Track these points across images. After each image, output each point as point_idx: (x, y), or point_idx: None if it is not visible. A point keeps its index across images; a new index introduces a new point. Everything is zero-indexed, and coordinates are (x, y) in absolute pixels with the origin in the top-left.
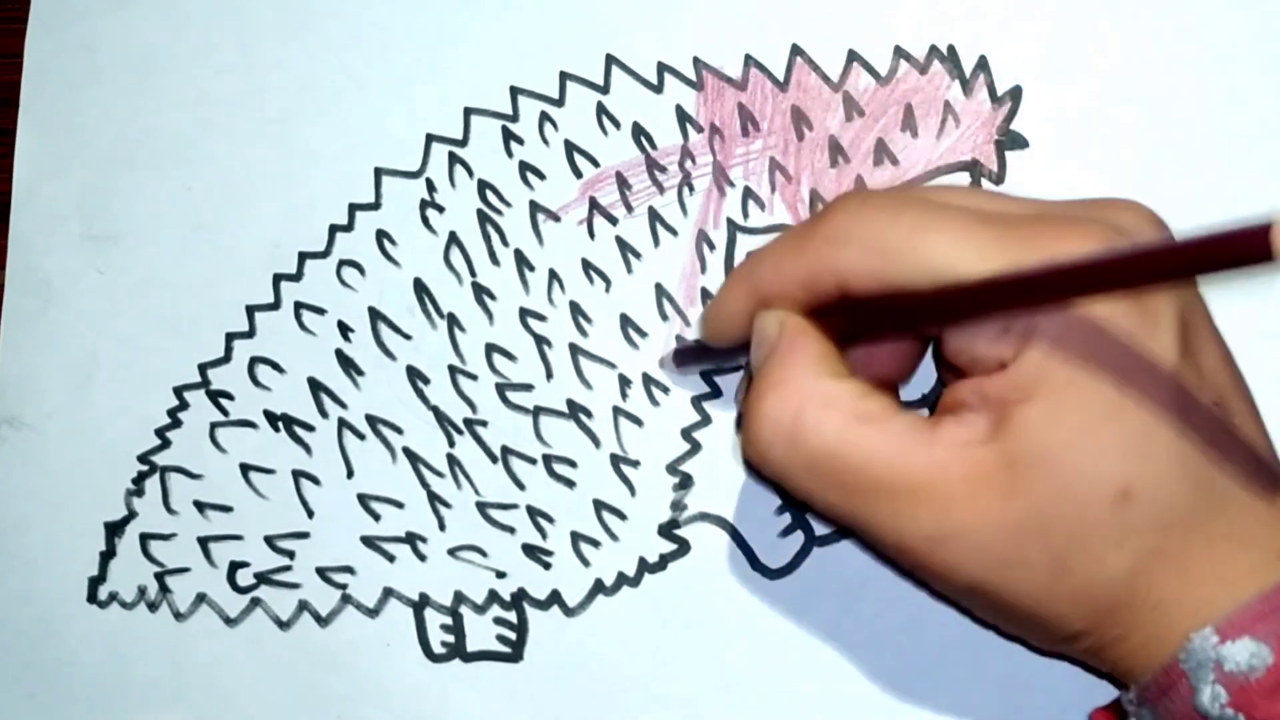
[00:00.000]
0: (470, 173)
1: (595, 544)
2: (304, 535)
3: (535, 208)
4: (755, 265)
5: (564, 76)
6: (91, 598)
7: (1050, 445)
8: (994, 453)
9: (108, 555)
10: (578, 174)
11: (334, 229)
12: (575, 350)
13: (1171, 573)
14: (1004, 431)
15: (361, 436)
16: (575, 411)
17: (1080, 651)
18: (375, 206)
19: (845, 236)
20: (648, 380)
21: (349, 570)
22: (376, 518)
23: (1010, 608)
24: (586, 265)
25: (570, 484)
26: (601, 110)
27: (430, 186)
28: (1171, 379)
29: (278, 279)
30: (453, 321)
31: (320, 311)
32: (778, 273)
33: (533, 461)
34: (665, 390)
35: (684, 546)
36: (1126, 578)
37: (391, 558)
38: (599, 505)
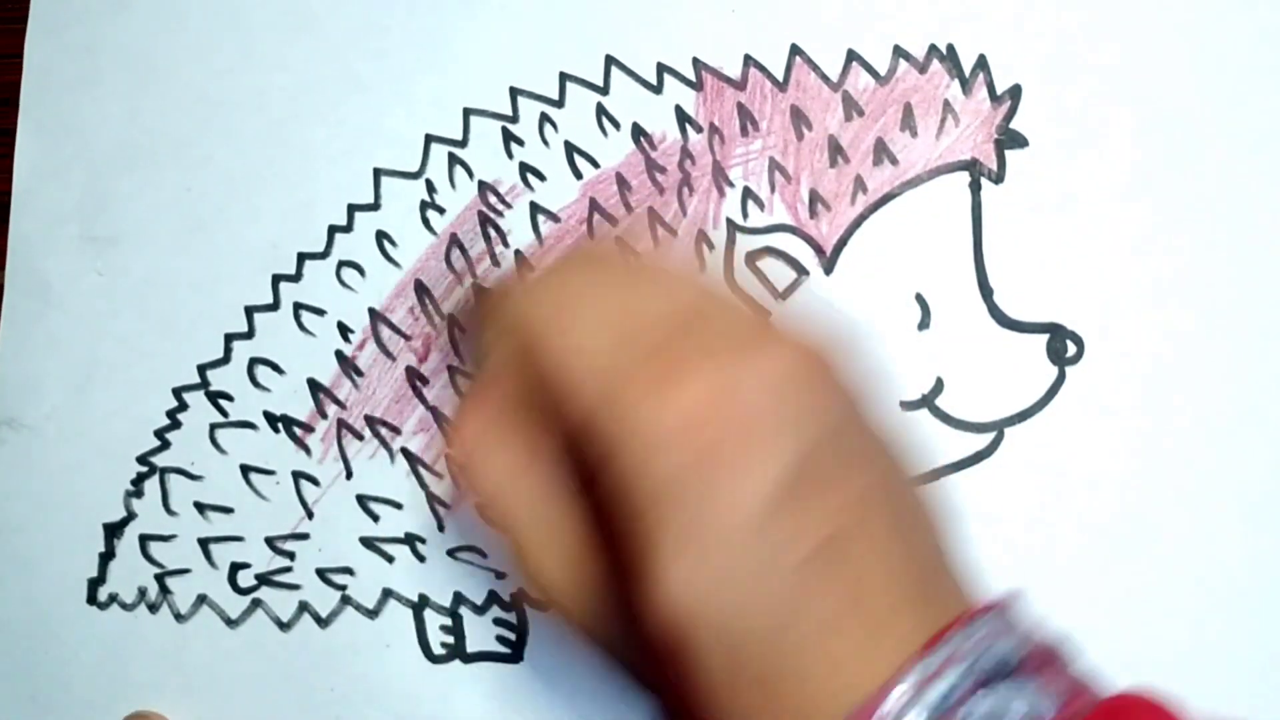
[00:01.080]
0: (470, 173)
1: None
2: (304, 536)
3: (535, 208)
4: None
5: (564, 77)
6: (91, 599)
7: None
8: None
9: (107, 556)
10: (578, 175)
11: (333, 230)
12: None
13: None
14: None
15: (360, 437)
16: None
17: None
18: (375, 207)
19: (527, 300)
20: None
21: (349, 571)
22: (376, 519)
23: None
24: None
25: None
26: (601, 111)
27: (430, 187)
28: (758, 530)
29: (277, 280)
30: (452, 322)
31: (320, 312)
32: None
33: None
34: None
35: None
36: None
37: (391, 559)
38: None
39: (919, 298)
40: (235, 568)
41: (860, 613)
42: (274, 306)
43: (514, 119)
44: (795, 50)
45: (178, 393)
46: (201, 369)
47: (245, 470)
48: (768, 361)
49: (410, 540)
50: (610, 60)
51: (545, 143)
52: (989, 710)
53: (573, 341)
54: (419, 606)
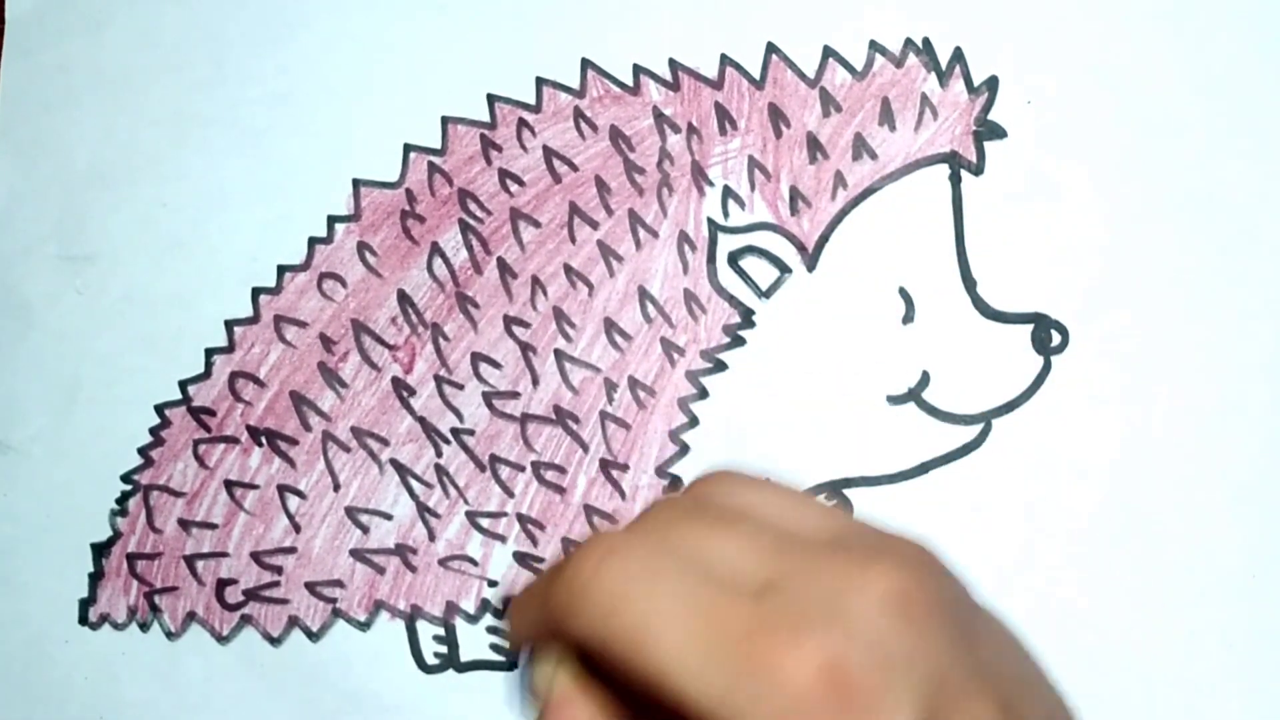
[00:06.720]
0: (450, 181)
1: None
2: (291, 550)
3: (516, 214)
4: (528, 599)
5: (540, 82)
6: (83, 620)
7: None
8: None
9: (97, 576)
10: (557, 179)
11: (313, 241)
12: (560, 356)
13: None
14: None
15: (347, 449)
16: (562, 417)
17: None
18: (355, 218)
19: (577, 608)
20: (633, 384)
21: (338, 584)
22: (365, 530)
23: None
24: (568, 270)
25: (560, 490)
26: (578, 114)
27: (410, 197)
28: None
29: (256, 293)
30: (437, 331)
31: (301, 324)
32: (539, 622)
33: (521, 469)
34: (651, 393)
35: None
36: None
37: (381, 570)
38: (589, 510)
39: (903, 292)
40: (222, 584)
41: None
42: (254, 319)
43: (492, 126)
44: (771, 48)
45: (160, 409)
46: (183, 385)
47: (229, 485)
48: (862, 606)
49: (401, 551)
50: (586, 64)
51: (524, 148)
52: None
53: (661, 650)
54: (411, 617)
